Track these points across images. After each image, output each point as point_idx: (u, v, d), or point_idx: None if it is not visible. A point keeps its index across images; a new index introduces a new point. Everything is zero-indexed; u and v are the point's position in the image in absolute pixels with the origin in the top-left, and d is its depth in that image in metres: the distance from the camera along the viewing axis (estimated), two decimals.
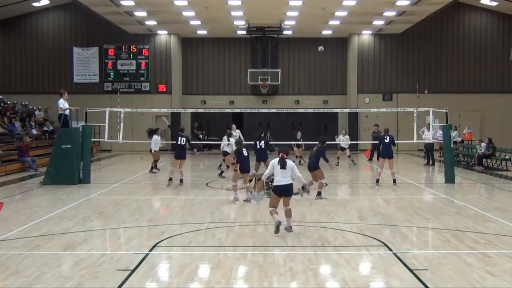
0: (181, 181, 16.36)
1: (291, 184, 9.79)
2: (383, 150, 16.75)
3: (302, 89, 34.61)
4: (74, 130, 17.13)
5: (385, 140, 16.74)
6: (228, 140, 17.95)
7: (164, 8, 27.25)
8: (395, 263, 7.68)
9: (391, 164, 16.61)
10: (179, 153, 16.35)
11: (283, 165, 9.73)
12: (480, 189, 16.88)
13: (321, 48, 20.07)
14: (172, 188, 15.87)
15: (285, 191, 9.75)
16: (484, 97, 33.04)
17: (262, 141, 16.74)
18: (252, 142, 17.34)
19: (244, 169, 13.24)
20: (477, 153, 22.17)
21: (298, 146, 23.55)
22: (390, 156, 16.56)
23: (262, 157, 16.44)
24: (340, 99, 34.30)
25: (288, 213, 9.87)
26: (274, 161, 9.92)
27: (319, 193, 13.58)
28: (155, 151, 20.10)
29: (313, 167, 13.62)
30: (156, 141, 19.97)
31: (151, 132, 20.24)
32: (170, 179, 16.35)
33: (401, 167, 22.43)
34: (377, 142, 24.51)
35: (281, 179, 9.70)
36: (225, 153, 18.06)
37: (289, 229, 9.76)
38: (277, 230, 9.40)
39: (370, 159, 25.46)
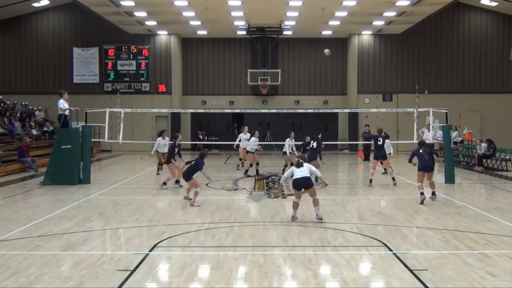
0: (177, 181, 15.92)
1: (308, 177, 10.69)
2: (376, 151, 16.62)
3: (302, 89, 34.63)
4: (74, 130, 17.12)
5: (378, 142, 16.50)
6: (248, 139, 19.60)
7: (164, 8, 27.25)
8: (395, 263, 7.68)
9: (386, 164, 16.62)
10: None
11: (299, 165, 10.81)
12: (480, 189, 16.88)
13: (327, 51, 18.29)
14: (172, 188, 15.86)
15: (302, 183, 10.64)
16: (484, 97, 33.05)
17: (315, 142, 16.77)
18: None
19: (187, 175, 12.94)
20: (477, 153, 22.18)
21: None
22: (384, 157, 16.51)
23: (313, 157, 16.40)
24: (340, 99, 34.30)
25: (315, 202, 10.75)
26: (292, 168, 11.05)
27: (433, 193, 13.52)
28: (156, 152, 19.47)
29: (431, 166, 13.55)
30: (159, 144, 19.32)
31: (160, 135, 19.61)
32: (177, 181, 15.93)
33: (401, 167, 22.39)
34: (368, 142, 24.61)
35: (299, 173, 10.70)
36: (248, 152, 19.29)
37: (317, 216, 10.63)
38: (292, 220, 10.71)
39: (366, 159, 25.40)
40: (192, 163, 13.03)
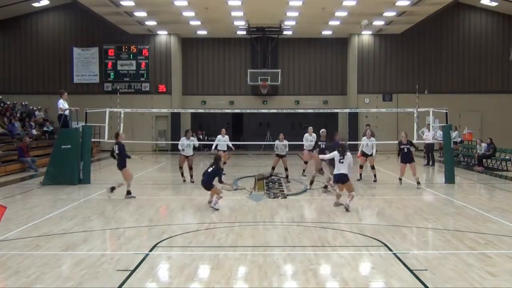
0: (129, 192, 14.11)
1: (345, 175, 12.10)
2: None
3: (302, 89, 34.63)
4: (74, 130, 17.14)
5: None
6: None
7: (164, 8, 27.25)
8: (395, 263, 7.68)
9: (372, 161, 17.82)
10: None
11: (343, 153, 12.18)
12: (480, 189, 16.88)
13: (364, 23, 17.46)
14: (172, 188, 15.87)
15: (340, 180, 12.21)
16: (484, 97, 33.05)
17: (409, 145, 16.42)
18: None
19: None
20: (477, 153, 22.18)
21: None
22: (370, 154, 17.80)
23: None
24: (340, 99, 34.30)
25: (349, 196, 12.07)
26: (335, 153, 12.38)
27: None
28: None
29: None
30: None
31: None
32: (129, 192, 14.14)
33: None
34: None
35: (339, 168, 12.22)
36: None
37: (345, 204, 11.88)
38: (334, 205, 12.30)
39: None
40: (210, 170, 12.25)
